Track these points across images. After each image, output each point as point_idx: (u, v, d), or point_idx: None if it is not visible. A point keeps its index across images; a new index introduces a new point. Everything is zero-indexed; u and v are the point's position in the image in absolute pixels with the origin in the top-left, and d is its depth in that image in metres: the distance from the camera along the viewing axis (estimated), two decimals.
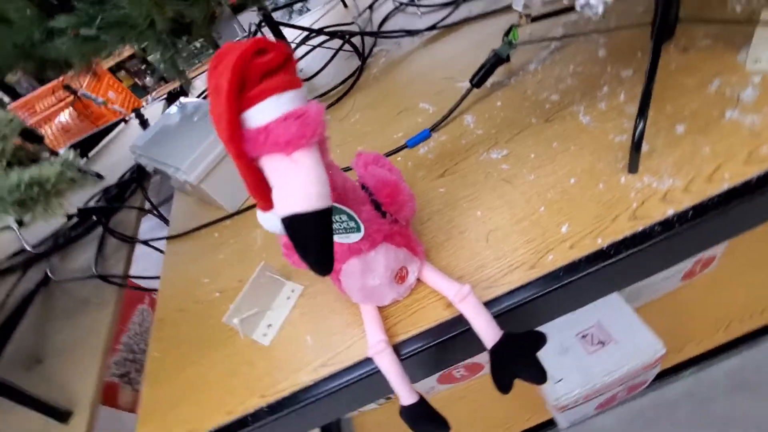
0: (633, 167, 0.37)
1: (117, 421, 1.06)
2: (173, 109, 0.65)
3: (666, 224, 0.34)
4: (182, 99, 0.67)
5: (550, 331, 0.70)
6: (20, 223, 0.86)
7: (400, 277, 0.37)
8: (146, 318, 1.34)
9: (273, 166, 0.23)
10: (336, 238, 0.32)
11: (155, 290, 0.57)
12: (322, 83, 0.74)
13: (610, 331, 0.64)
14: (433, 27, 0.68)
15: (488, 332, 0.33)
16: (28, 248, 0.75)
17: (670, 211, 0.34)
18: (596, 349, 0.64)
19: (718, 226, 0.35)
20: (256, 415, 0.38)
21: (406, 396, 0.34)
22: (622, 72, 0.46)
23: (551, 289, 0.35)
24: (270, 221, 0.27)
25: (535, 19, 0.46)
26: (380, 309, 0.38)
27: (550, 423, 0.81)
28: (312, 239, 0.23)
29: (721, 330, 0.78)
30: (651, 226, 0.34)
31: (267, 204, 0.26)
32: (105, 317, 0.56)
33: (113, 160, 0.90)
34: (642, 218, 0.35)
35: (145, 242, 0.64)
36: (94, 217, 0.72)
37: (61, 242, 0.74)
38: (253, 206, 0.58)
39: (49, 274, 0.67)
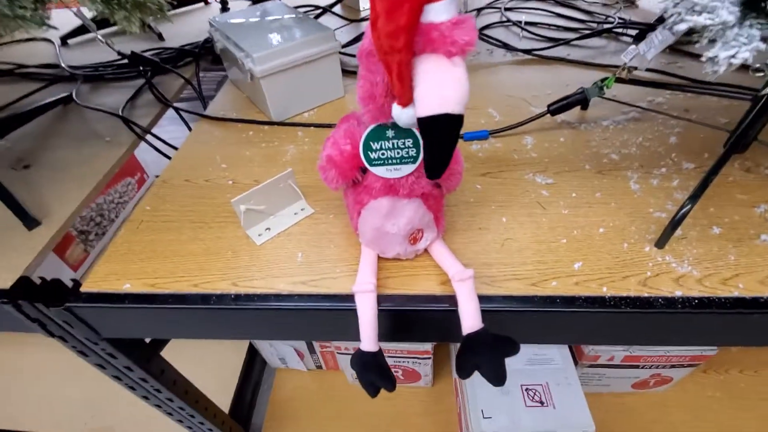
0: (661, 243, 0.39)
1: (58, 270, 1.04)
2: (265, 5, 0.65)
3: (670, 302, 0.35)
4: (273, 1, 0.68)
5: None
6: (64, 42, 0.85)
7: (414, 237, 0.37)
8: (129, 191, 1.33)
9: (432, 65, 0.24)
10: (383, 170, 0.32)
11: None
12: None
13: (553, 396, 0.65)
14: (529, 51, 0.69)
15: (471, 318, 0.34)
16: (63, 65, 0.74)
17: (678, 293, 0.35)
18: (534, 405, 0.65)
19: (714, 328, 0.36)
20: (221, 298, 0.38)
21: (369, 342, 0.34)
22: (684, 163, 0.47)
23: (543, 310, 0.35)
24: (407, 116, 0.27)
25: (632, 80, 0.47)
26: (378, 259, 0.39)
27: None
28: (448, 140, 0.25)
29: None
30: (655, 297, 0.35)
31: (408, 99, 0.26)
32: (111, 156, 0.56)
33: (178, 31, 0.90)
34: (650, 288, 0.36)
35: (177, 109, 0.64)
36: (141, 68, 0.71)
37: (98, 74, 0.73)
38: (296, 124, 0.58)
39: (74, 96, 0.67)
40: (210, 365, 0.92)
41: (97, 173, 0.53)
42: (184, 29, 0.92)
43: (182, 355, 0.60)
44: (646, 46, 0.40)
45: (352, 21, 0.85)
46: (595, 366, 0.75)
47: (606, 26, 0.74)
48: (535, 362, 0.71)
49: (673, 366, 0.75)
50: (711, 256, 0.38)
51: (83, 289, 0.39)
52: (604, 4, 0.87)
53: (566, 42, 0.72)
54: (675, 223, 0.37)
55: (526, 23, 0.78)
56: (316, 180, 0.49)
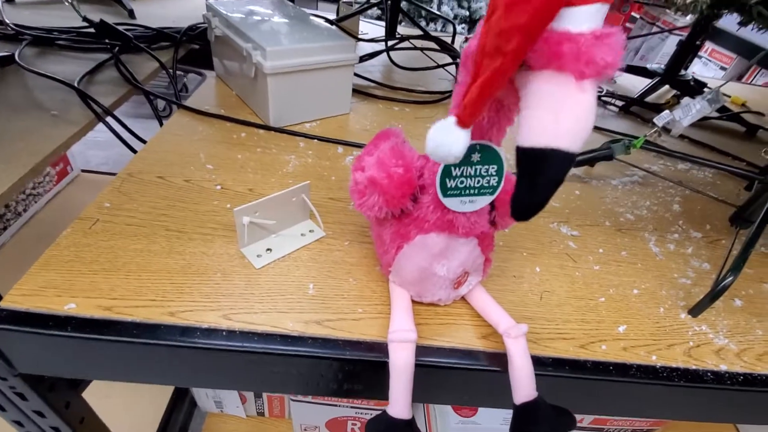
0: (696, 311, 0.37)
1: None
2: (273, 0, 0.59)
3: (718, 376, 0.33)
4: None
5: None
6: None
7: (459, 282, 0.32)
8: (45, 183, 1.12)
9: (554, 86, 0.19)
10: (456, 203, 0.27)
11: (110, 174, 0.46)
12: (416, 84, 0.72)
13: None
14: None
15: (526, 385, 0.29)
16: (7, 21, 0.61)
17: (723, 366, 0.34)
18: None
19: (753, 405, 0.35)
20: (210, 334, 0.29)
21: (402, 406, 0.28)
22: (692, 232, 0.48)
23: (597, 379, 0.31)
24: (461, 140, 0.21)
25: (648, 143, 0.48)
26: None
27: None
28: (558, 182, 0.19)
29: None
30: (704, 371, 0.33)
31: (473, 118, 0.21)
32: (58, 134, 0.44)
33: (152, 12, 0.79)
34: (696, 359, 0.34)
35: (150, 93, 0.53)
36: (108, 41, 0.60)
37: (50, 37, 0.61)
38: (298, 133, 0.51)
39: (17, 57, 0.54)
40: (126, 400, 0.75)
41: (36, 152, 0.41)
42: (158, 11, 0.81)
43: (91, 387, 0.46)
44: (682, 113, 0.40)
45: (357, 39, 0.81)
46: None
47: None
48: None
49: (633, 430, 0.75)
50: (740, 329, 0.37)
51: (4, 304, 0.28)
52: None
53: None
54: (714, 295, 0.36)
55: None
56: (324, 198, 0.43)
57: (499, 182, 0.27)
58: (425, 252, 0.29)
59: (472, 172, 0.26)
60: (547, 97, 0.19)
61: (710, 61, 1.80)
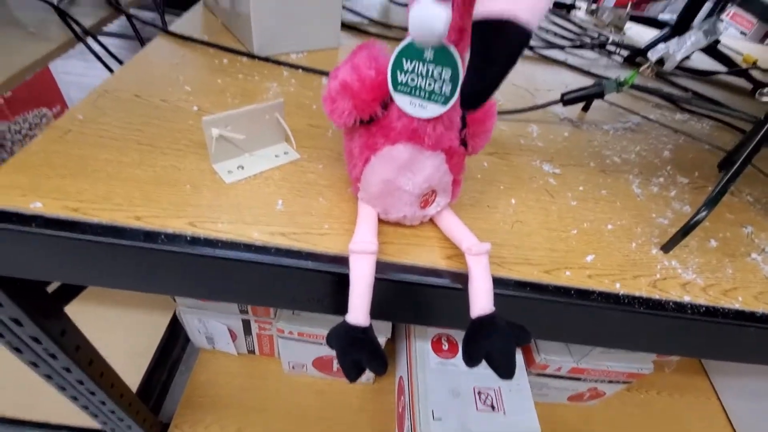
0: (668, 247, 0.37)
1: None
2: None
3: (680, 306, 0.33)
4: None
5: (457, 374, 0.67)
6: None
7: (426, 200, 0.32)
8: (42, 124, 1.11)
9: None
10: (407, 102, 0.26)
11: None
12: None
13: (504, 401, 0.63)
14: (531, 48, 0.67)
15: (483, 300, 0.29)
16: None
17: (686, 298, 0.34)
18: (485, 409, 0.62)
19: (716, 338, 0.35)
20: (173, 239, 0.29)
21: (360, 314, 0.28)
22: (679, 177, 0.47)
23: (557, 301, 0.32)
24: (443, 15, 0.20)
25: (637, 87, 0.46)
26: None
27: None
28: (511, 61, 0.18)
29: None
30: (666, 300, 0.33)
31: None
32: (34, 50, 0.43)
33: None
34: (660, 290, 0.34)
35: (131, 16, 0.52)
36: None
37: None
38: (282, 62, 0.50)
39: None
40: (121, 332, 0.78)
41: (11, 66, 0.41)
42: None
43: (88, 313, 0.48)
44: (677, 45, 0.38)
45: None
46: (542, 375, 0.75)
47: (600, 41, 0.75)
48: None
49: (610, 381, 0.77)
50: (711, 267, 0.37)
51: None
52: (596, 25, 0.89)
53: (563, 47, 0.71)
54: (686, 230, 0.36)
55: None
56: (304, 125, 0.42)
57: (452, 92, 0.25)
58: (391, 163, 0.29)
59: (424, 71, 0.25)
60: None
61: (731, 24, 1.72)
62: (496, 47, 0.18)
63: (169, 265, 0.30)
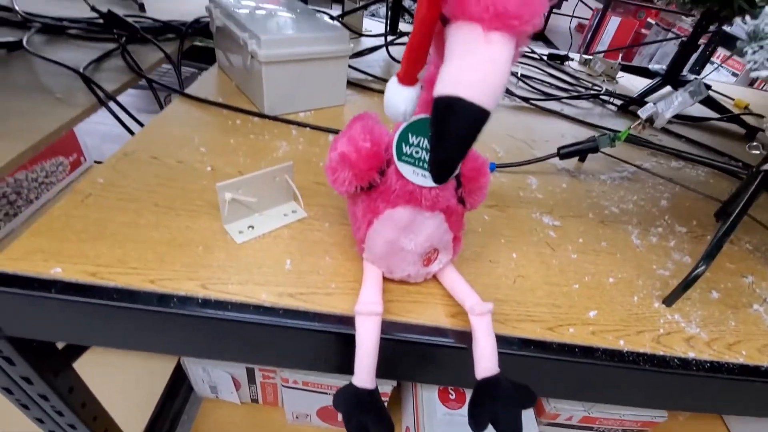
0: (670, 301, 0.38)
1: None
2: None
3: (684, 363, 0.33)
4: None
5: (464, 425, 0.66)
6: None
7: (428, 258, 0.33)
8: (59, 172, 1.16)
9: (464, 37, 0.19)
10: (410, 171, 0.28)
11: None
12: None
13: None
14: (527, 100, 0.70)
15: (488, 361, 0.29)
16: (17, 8, 0.64)
17: (691, 354, 0.34)
18: None
19: (723, 394, 0.35)
20: (185, 302, 0.30)
21: (366, 376, 0.29)
22: (677, 227, 0.48)
23: (561, 360, 0.32)
24: (404, 97, 0.23)
25: (632, 139, 0.48)
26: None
27: None
28: (462, 136, 0.19)
29: None
30: (671, 357, 0.33)
31: (412, 78, 0.23)
32: (60, 115, 0.46)
33: (162, 6, 0.82)
34: (664, 346, 0.34)
35: (152, 81, 0.56)
36: (115, 31, 0.63)
37: (58, 26, 0.63)
38: (291, 121, 0.53)
39: (25, 43, 0.56)
40: (124, 381, 0.77)
41: (37, 131, 0.44)
42: (168, 5, 0.84)
43: (91, 362, 0.48)
44: (665, 105, 0.40)
45: (360, 35, 0.83)
46: (553, 425, 0.73)
47: (594, 91, 0.79)
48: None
49: (624, 430, 0.74)
50: (714, 320, 0.37)
51: None
52: (589, 74, 0.93)
53: (559, 98, 0.75)
54: (687, 283, 0.37)
55: (522, 75, 0.81)
56: (310, 182, 0.44)
57: None
58: (392, 225, 0.30)
59: (426, 145, 0.27)
60: (456, 47, 0.19)
61: (722, 67, 1.78)
62: (446, 123, 0.19)
63: (181, 327, 0.31)
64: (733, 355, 0.35)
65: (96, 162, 1.34)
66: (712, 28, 0.73)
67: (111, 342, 0.34)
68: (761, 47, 0.25)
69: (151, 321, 0.31)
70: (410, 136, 0.27)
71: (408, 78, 0.23)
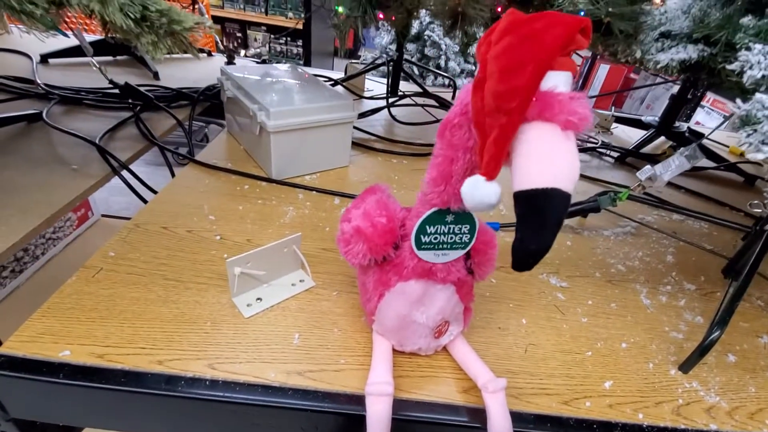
0: (687, 367, 0.37)
1: None
2: (283, 65, 0.65)
3: None
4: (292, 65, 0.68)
5: None
6: (44, 60, 0.79)
7: (440, 330, 0.32)
8: (66, 227, 1.17)
9: (546, 134, 0.21)
10: (431, 255, 0.29)
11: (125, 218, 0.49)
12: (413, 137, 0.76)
13: None
14: None
15: None
16: (38, 81, 0.67)
17: (713, 426, 0.33)
18: None
19: None
20: (193, 384, 0.30)
21: None
22: (686, 284, 0.48)
23: None
24: (495, 191, 0.23)
25: (633, 197, 0.49)
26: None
27: None
28: (560, 223, 0.20)
29: None
30: (693, 430, 0.32)
31: (497, 168, 0.23)
32: (76, 186, 0.48)
33: (173, 74, 0.87)
34: (685, 418, 0.33)
35: (164, 148, 0.58)
36: (131, 101, 0.66)
37: (77, 97, 0.67)
38: (298, 185, 0.54)
39: (44, 115, 0.59)
40: None
41: (52, 204, 0.45)
42: (180, 73, 0.89)
43: None
44: (663, 168, 0.42)
45: (360, 97, 0.87)
46: None
47: (591, 144, 0.81)
48: None
49: None
50: (733, 386, 0.36)
51: (3, 350, 0.30)
52: None
53: None
54: (703, 350, 0.36)
55: None
56: (318, 249, 0.45)
57: (471, 239, 0.28)
58: (404, 298, 0.30)
59: (446, 230, 0.28)
60: (541, 144, 0.21)
61: (712, 110, 1.83)
62: (547, 212, 0.20)
63: (188, 409, 0.30)
64: (757, 425, 0.33)
65: (103, 216, 1.36)
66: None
67: (118, 425, 0.33)
68: (755, 130, 0.26)
69: (160, 404, 0.30)
70: (428, 227, 0.28)
71: (495, 175, 0.23)
